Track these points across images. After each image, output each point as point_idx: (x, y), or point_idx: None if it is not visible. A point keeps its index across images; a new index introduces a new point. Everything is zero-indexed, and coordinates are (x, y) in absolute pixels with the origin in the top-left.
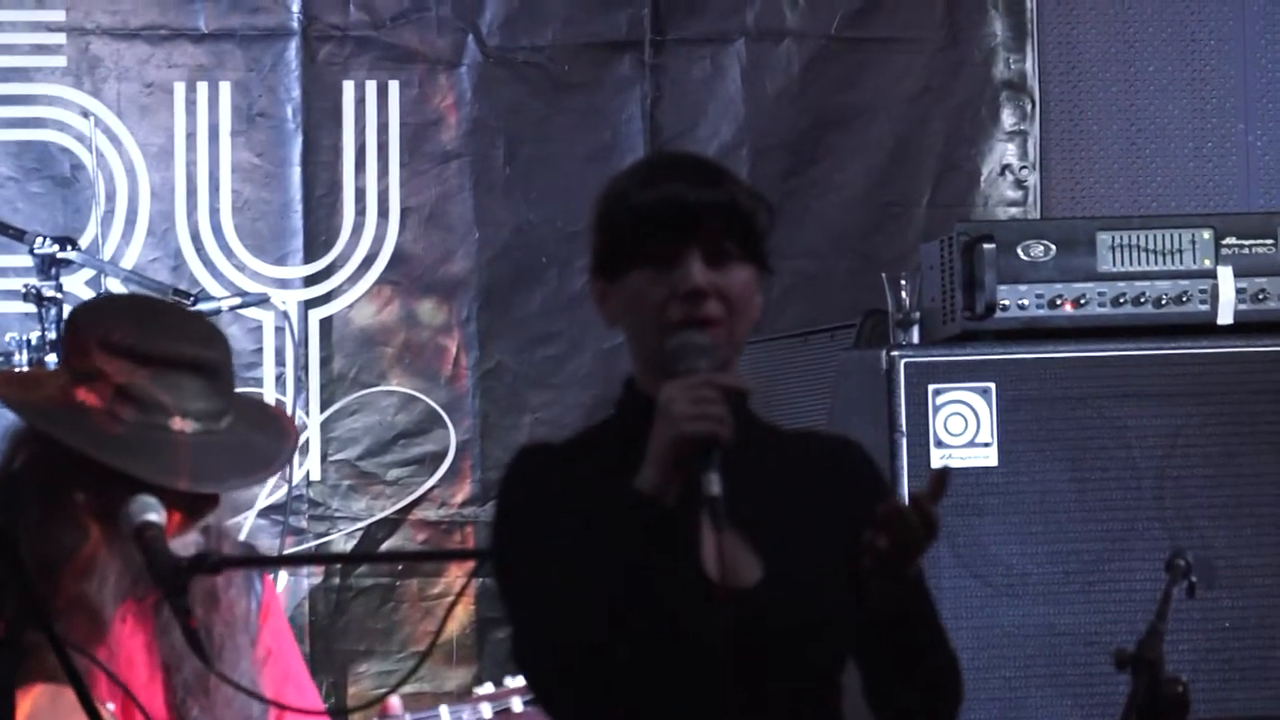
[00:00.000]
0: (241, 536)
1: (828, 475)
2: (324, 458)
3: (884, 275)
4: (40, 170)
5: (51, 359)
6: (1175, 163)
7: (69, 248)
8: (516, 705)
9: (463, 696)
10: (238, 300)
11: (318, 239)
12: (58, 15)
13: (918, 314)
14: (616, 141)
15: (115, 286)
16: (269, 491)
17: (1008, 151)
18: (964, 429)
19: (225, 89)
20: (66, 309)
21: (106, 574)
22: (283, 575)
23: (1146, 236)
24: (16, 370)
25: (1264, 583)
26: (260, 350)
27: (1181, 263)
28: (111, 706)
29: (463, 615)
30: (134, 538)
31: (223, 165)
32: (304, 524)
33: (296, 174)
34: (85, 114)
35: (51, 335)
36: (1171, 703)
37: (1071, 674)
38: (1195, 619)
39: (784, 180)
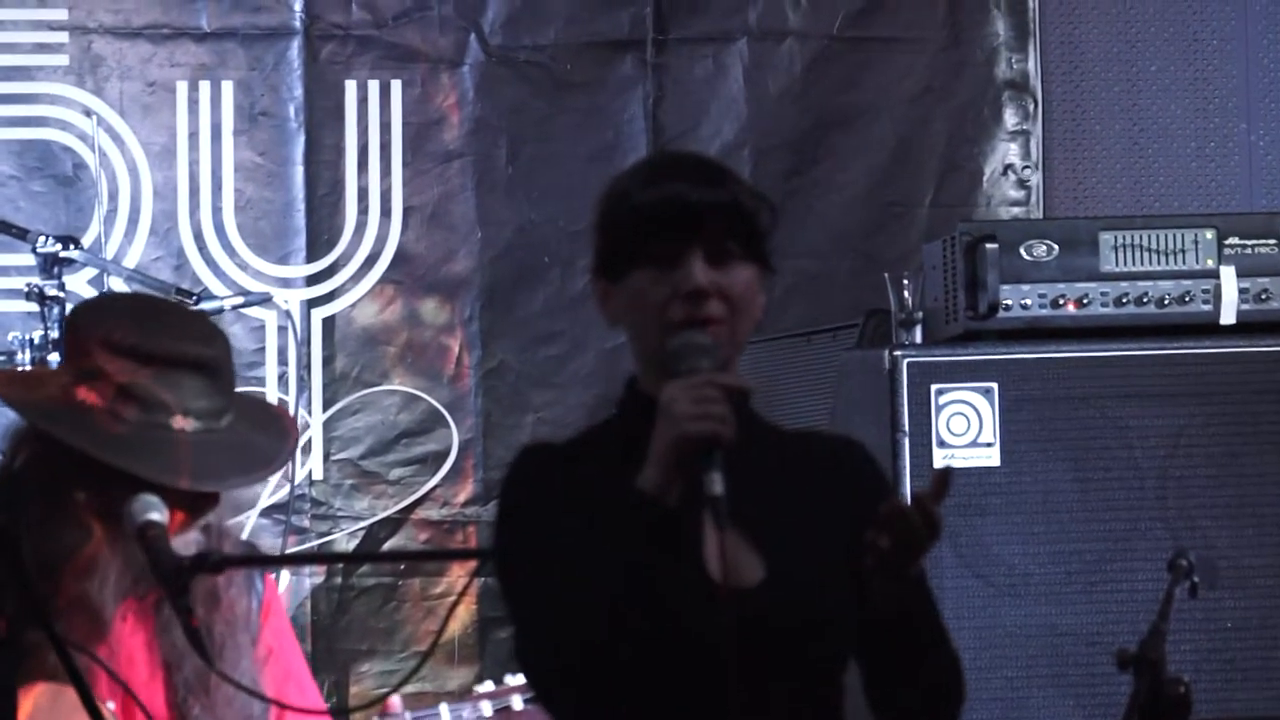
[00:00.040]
0: (244, 536)
1: (830, 475)
2: (326, 457)
3: (886, 275)
4: (43, 169)
5: (54, 358)
6: (1178, 162)
7: (71, 247)
8: (517, 703)
9: (463, 695)
10: (240, 299)
11: (320, 238)
12: (60, 14)
13: (920, 314)
14: (619, 141)
15: (118, 285)
16: (271, 491)
17: (1010, 151)
18: (966, 429)
19: (228, 88)
20: (69, 308)
21: (107, 573)
22: (285, 575)
23: (1149, 236)
24: (18, 369)
25: (1266, 583)
26: (263, 349)
27: (1184, 263)
28: (112, 705)
29: (465, 615)
30: (137, 537)
31: (225, 164)
32: (306, 523)
33: (299, 173)
34: (88, 113)
35: (54, 334)
36: (1173, 703)
37: (1073, 674)
38: (1197, 619)
39: (786, 180)
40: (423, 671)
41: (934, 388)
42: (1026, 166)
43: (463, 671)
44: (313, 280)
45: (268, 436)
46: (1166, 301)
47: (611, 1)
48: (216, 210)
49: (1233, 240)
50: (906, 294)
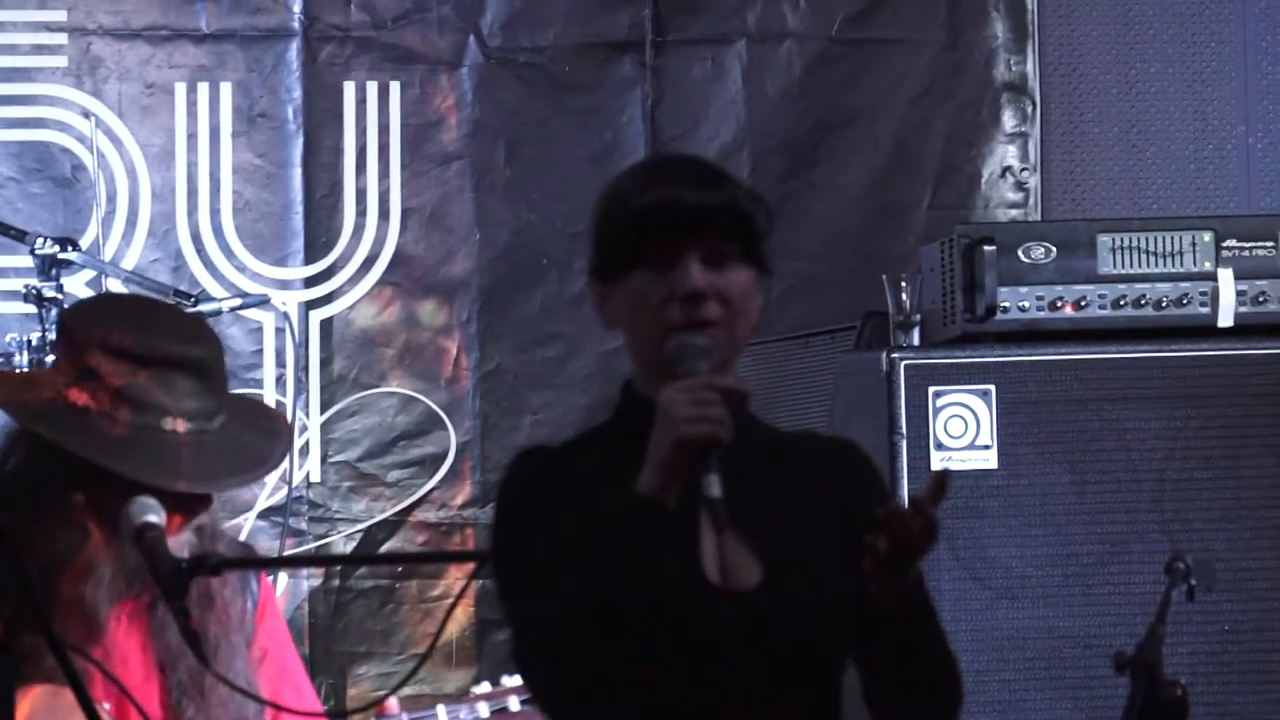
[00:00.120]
0: (242, 538)
1: (827, 477)
2: (324, 459)
3: (884, 277)
4: (41, 171)
5: (52, 360)
6: (1176, 165)
7: (70, 248)
8: (513, 704)
9: (461, 697)
10: (238, 301)
11: (318, 240)
12: (59, 15)
13: (918, 316)
14: (617, 142)
15: (116, 287)
16: (269, 493)
17: (1008, 153)
18: (964, 431)
19: (226, 90)
20: None
21: (103, 574)
22: (282, 577)
23: (1147, 239)
24: (12, 371)
25: (1263, 586)
26: (261, 351)
27: (1182, 265)
28: (107, 706)
29: (462, 617)
30: (134, 539)
31: (223, 166)
32: (304, 525)
33: (297, 175)
34: (86, 114)
35: (52, 336)
36: (1171, 706)
37: (1071, 677)
38: (1195, 622)
39: (784, 181)
40: (420, 673)
41: (931, 390)
42: (1025, 168)
43: (460, 673)
44: (311, 282)
45: (259, 436)
46: (1164, 304)
47: (610, 3)
48: (215, 212)
49: (1230, 243)
50: (904, 296)
